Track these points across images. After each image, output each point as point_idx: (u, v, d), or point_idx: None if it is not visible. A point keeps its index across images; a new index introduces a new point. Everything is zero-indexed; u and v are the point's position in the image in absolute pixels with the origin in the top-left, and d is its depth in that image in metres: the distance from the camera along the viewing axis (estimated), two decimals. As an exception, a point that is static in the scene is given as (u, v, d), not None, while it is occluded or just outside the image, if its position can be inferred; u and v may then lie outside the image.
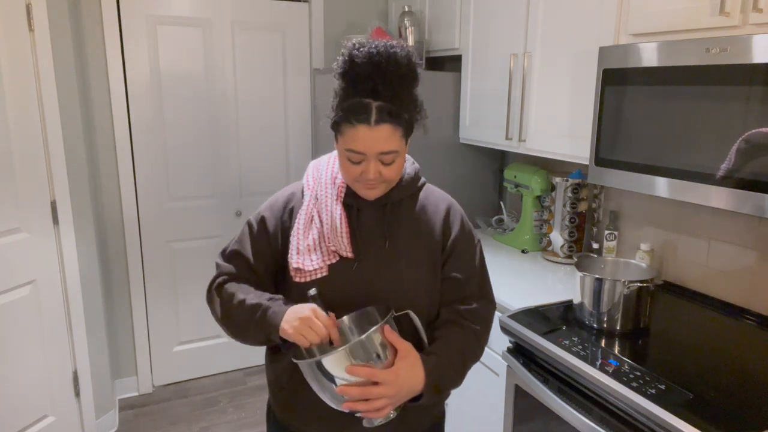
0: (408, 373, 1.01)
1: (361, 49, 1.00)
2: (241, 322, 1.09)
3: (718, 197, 1.37)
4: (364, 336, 0.97)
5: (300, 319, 1.00)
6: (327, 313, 1.03)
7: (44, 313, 2.23)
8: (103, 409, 2.60)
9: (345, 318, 1.09)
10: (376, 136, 1.00)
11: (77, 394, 2.41)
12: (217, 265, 1.20)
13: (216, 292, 1.16)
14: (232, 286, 1.14)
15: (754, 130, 1.28)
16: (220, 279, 1.17)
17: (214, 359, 3.18)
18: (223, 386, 3.09)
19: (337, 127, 1.05)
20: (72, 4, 2.36)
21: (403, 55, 1.01)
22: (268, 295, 1.11)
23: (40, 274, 2.20)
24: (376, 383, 0.97)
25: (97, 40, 2.59)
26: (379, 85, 1.00)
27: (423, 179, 1.22)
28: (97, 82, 2.63)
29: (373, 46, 1.00)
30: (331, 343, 1.03)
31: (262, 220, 1.18)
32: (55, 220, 2.24)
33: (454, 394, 2.15)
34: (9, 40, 2.00)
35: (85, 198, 2.40)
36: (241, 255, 1.16)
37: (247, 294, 1.11)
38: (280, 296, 1.11)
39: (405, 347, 1.02)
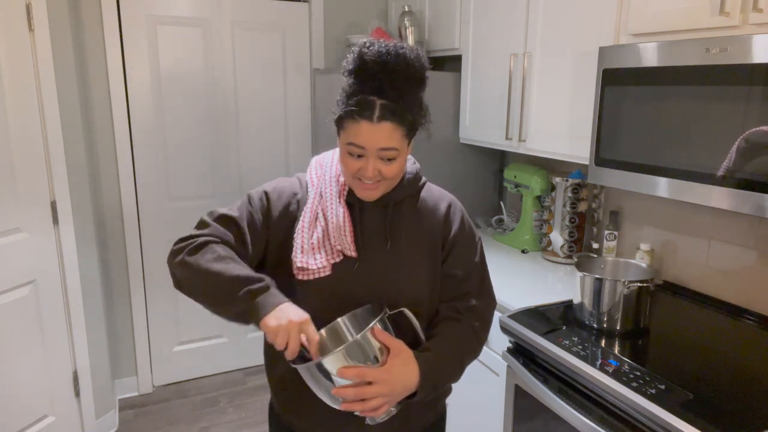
0: (401, 370, 1.01)
1: (371, 48, 1.02)
2: (225, 287, 0.99)
3: (718, 197, 1.37)
4: (358, 336, 0.97)
5: (290, 322, 0.95)
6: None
7: (44, 313, 2.23)
8: (103, 409, 2.60)
9: (340, 319, 1.09)
10: (378, 132, 1.01)
11: (77, 394, 2.41)
12: (205, 223, 1.10)
13: (199, 246, 1.04)
14: (225, 249, 1.05)
15: (753, 130, 1.28)
16: (208, 237, 1.06)
17: (214, 359, 3.18)
18: (223, 386, 3.09)
19: (341, 122, 1.05)
20: (72, 4, 2.36)
21: (412, 57, 1.02)
22: (268, 277, 1.04)
23: (40, 274, 2.20)
24: (370, 383, 0.98)
25: (97, 40, 2.59)
26: (385, 84, 1.01)
27: (424, 179, 1.22)
28: (97, 82, 2.62)
29: (383, 45, 1.02)
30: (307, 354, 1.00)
31: (266, 198, 1.14)
32: (55, 220, 2.23)
33: (455, 394, 2.15)
34: (9, 40, 2.00)
35: (85, 198, 2.40)
36: (237, 224, 1.10)
37: (243, 264, 1.03)
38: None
39: (396, 345, 1.02)
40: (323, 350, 1.04)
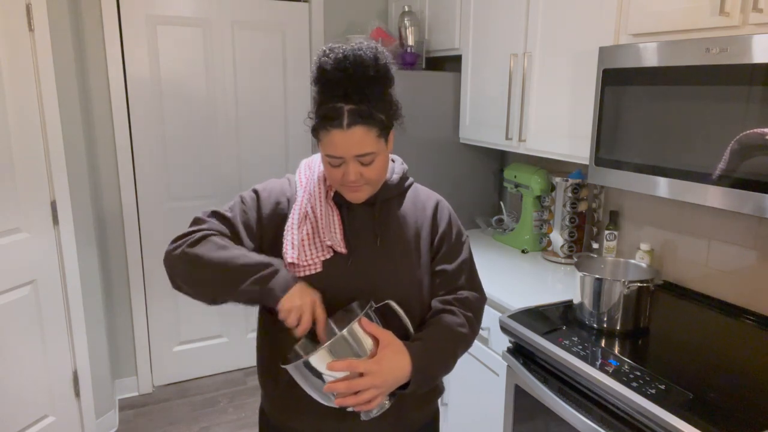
0: (391, 360, 1.01)
1: (330, 55, 1.03)
2: (233, 276, 1.03)
3: (718, 197, 1.37)
4: (344, 330, 0.98)
5: (304, 301, 1.02)
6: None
7: (44, 313, 2.23)
8: (103, 409, 2.60)
9: (329, 320, 1.09)
10: (350, 139, 1.02)
11: (77, 394, 2.41)
12: (200, 220, 1.13)
13: (198, 239, 1.07)
14: (224, 239, 1.08)
15: (753, 130, 1.28)
16: (206, 231, 1.09)
17: (214, 359, 3.18)
18: (223, 386, 3.09)
19: (315, 133, 1.07)
20: (72, 4, 2.36)
21: (370, 57, 1.03)
22: (273, 259, 1.07)
23: (40, 274, 2.20)
24: (361, 375, 0.98)
25: (97, 40, 2.59)
26: (349, 89, 1.02)
27: (411, 179, 1.24)
28: (97, 82, 2.62)
29: (341, 51, 1.03)
30: (316, 341, 1.06)
31: (257, 197, 1.17)
32: (55, 220, 2.23)
33: (455, 393, 2.15)
34: (9, 40, 2.00)
35: (85, 198, 2.40)
36: (231, 222, 1.13)
37: (244, 250, 1.07)
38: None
39: (385, 336, 1.03)
40: (309, 350, 1.05)
